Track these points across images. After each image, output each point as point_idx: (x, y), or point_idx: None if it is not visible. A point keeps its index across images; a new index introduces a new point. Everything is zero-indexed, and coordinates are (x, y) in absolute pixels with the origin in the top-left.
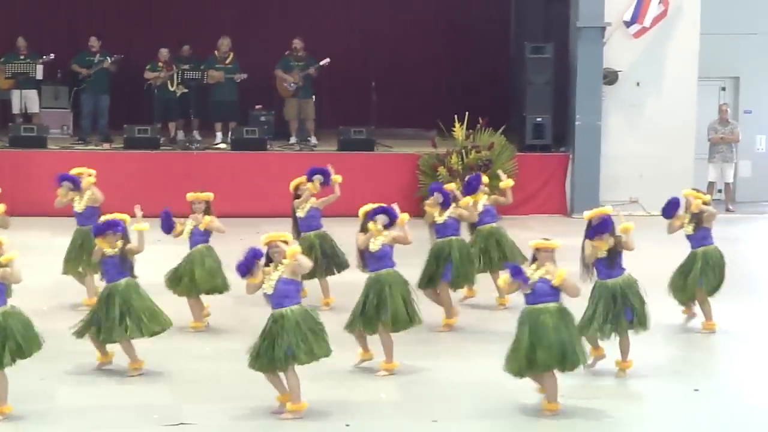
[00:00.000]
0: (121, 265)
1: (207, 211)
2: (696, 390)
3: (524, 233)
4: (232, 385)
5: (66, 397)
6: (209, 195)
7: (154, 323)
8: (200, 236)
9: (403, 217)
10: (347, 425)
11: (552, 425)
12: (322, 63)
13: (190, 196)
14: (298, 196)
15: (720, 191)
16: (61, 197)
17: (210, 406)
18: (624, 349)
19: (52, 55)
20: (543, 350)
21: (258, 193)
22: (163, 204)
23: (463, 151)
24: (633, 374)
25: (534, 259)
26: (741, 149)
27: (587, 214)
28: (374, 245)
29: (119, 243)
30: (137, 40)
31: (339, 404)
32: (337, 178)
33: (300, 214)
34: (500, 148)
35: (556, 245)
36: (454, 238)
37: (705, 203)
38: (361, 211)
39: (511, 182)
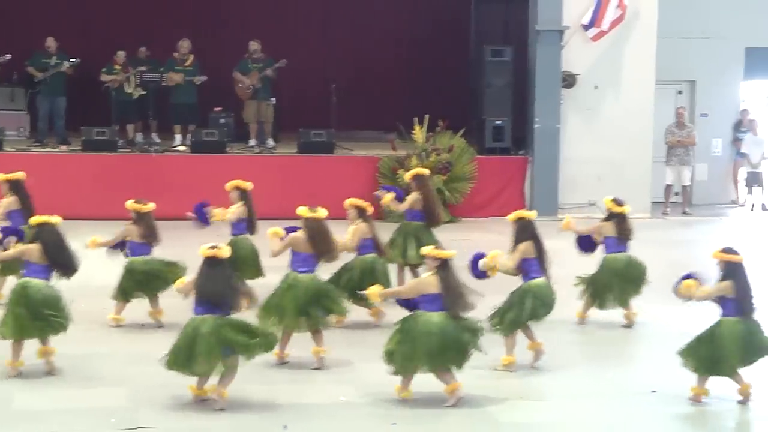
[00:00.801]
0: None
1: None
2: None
3: (484, 236)
4: (187, 388)
5: (23, 401)
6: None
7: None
8: None
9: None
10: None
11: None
12: (278, 64)
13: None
14: None
15: (677, 194)
16: None
17: (167, 409)
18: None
19: (8, 56)
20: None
21: (217, 196)
22: (120, 207)
23: (423, 153)
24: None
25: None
26: (698, 152)
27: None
28: None
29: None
30: (95, 42)
31: (298, 407)
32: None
33: None
34: (460, 151)
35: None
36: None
37: (615, 215)
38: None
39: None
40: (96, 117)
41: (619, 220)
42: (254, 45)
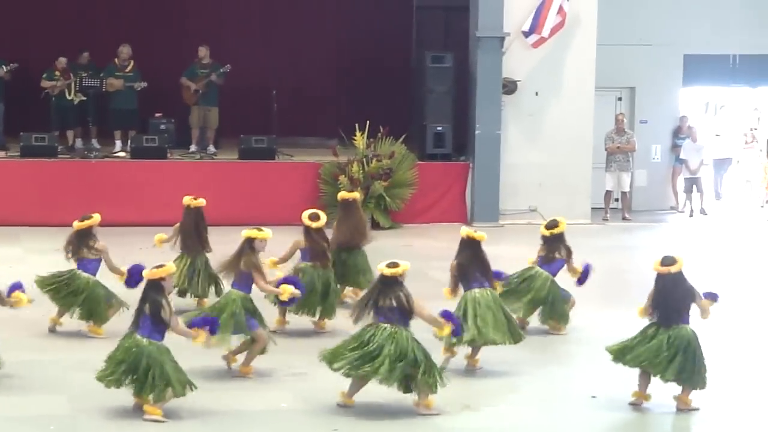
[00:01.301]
0: None
1: None
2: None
3: (425, 242)
4: (128, 395)
5: None
6: None
7: None
8: None
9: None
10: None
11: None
12: (223, 69)
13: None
14: None
15: (617, 200)
16: None
17: (106, 418)
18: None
19: None
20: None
21: (158, 202)
22: (60, 213)
23: (365, 160)
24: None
25: None
26: (637, 159)
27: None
28: None
29: None
30: (34, 48)
31: (239, 413)
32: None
33: None
34: (401, 157)
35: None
36: None
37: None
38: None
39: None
40: (35, 123)
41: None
42: (203, 51)
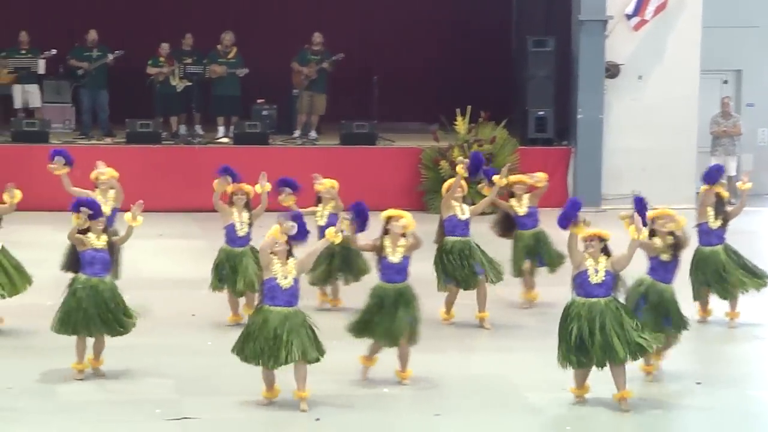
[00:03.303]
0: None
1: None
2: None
3: None
4: (233, 379)
5: (68, 393)
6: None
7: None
8: None
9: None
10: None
11: (552, 419)
12: (335, 57)
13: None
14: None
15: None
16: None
17: (212, 399)
18: None
19: (54, 51)
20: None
21: None
22: (164, 198)
23: (465, 145)
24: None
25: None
26: (743, 142)
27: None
28: (395, 257)
29: (105, 237)
30: (138, 35)
31: (341, 397)
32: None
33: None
34: (502, 142)
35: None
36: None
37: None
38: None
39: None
40: (140, 110)
41: None
42: (317, 37)
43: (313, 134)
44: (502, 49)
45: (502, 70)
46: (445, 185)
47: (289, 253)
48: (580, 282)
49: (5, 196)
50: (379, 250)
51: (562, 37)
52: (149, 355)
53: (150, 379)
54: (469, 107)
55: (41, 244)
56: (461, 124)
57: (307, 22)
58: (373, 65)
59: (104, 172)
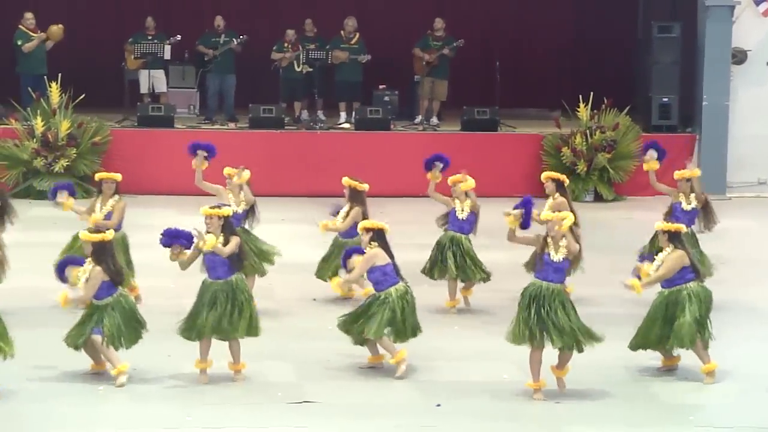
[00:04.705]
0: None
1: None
2: None
3: (647, 214)
4: (354, 363)
5: (192, 374)
6: None
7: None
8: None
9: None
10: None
11: None
12: (456, 43)
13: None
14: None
15: None
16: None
17: (332, 383)
18: None
19: (179, 36)
20: None
21: (381, 173)
22: (286, 183)
23: (588, 131)
24: None
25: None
26: None
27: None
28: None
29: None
30: (262, 20)
31: (459, 384)
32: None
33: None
34: (625, 129)
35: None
36: None
37: None
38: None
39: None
40: (263, 95)
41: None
42: (439, 23)
43: (434, 120)
44: (626, 35)
45: (625, 56)
46: None
47: None
48: None
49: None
50: (542, 246)
51: (688, 22)
52: (271, 339)
53: (272, 363)
54: (591, 93)
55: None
56: (583, 111)
57: (430, 8)
58: (495, 51)
59: (242, 176)
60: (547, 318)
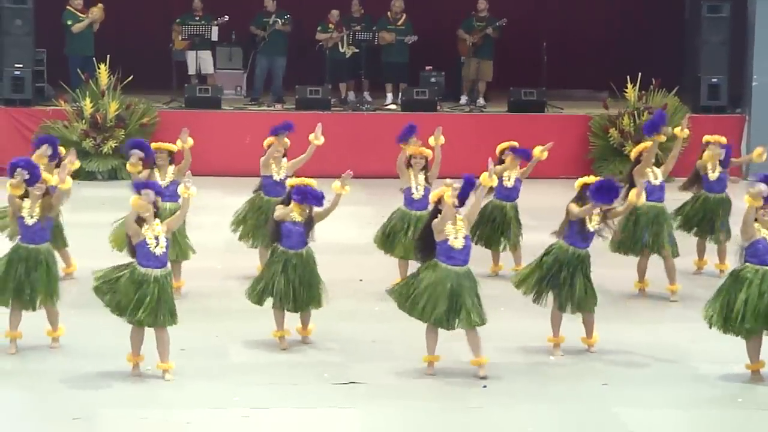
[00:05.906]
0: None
1: None
2: None
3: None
4: (400, 344)
5: (239, 354)
6: None
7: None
8: None
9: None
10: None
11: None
12: (499, 23)
13: None
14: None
15: None
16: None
17: (378, 365)
18: None
19: (227, 17)
20: None
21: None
22: (332, 164)
23: (636, 112)
24: None
25: None
26: None
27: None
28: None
29: (306, 210)
30: (308, 1)
31: (505, 366)
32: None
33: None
34: (673, 110)
35: None
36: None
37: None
38: (580, 182)
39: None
40: (309, 76)
41: None
42: (482, 3)
43: (480, 101)
44: (674, 15)
45: (673, 36)
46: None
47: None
48: (754, 251)
49: (178, 142)
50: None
51: (737, 2)
52: (317, 319)
53: (318, 343)
54: (639, 74)
55: (212, 209)
56: (631, 92)
57: None
58: (541, 32)
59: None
60: (564, 282)
